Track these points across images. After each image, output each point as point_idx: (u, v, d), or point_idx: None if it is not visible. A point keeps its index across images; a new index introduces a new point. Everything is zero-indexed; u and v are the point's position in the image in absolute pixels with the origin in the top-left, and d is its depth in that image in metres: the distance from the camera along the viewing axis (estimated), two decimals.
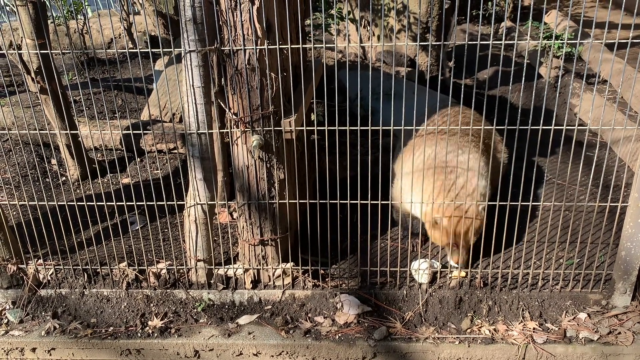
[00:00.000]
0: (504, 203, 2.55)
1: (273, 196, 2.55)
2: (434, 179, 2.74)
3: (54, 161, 4.17)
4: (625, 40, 2.23)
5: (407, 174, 2.80)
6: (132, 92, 5.29)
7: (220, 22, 2.21)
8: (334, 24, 5.21)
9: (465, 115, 3.25)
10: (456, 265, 2.74)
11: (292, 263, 2.74)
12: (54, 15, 6.79)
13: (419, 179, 2.65)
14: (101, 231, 3.13)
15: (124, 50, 2.33)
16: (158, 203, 2.61)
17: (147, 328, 2.64)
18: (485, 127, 3.07)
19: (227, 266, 2.78)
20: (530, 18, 4.00)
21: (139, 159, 4.09)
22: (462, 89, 2.35)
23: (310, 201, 2.69)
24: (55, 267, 2.80)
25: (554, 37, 2.72)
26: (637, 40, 2.28)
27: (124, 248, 2.86)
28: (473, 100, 2.68)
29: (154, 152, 4.13)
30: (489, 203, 2.68)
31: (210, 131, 2.41)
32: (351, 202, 2.58)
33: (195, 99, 2.33)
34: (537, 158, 3.89)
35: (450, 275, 2.75)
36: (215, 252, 2.80)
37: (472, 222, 2.65)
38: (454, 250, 2.72)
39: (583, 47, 5.69)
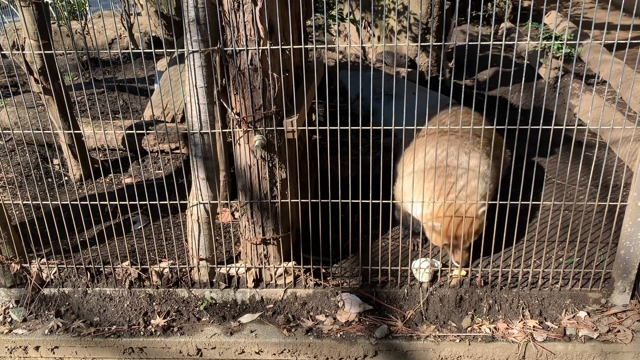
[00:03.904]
0: (504, 202, 2.57)
1: (275, 195, 2.57)
2: (434, 181, 2.76)
3: (56, 161, 4.19)
4: (624, 41, 2.25)
5: (409, 174, 2.82)
6: (134, 93, 5.31)
7: (223, 23, 2.23)
8: (334, 24, 5.23)
9: (466, 116, 3.27)
10: (457, 265, 2.77)
11: (293, 262, 2.76)
12: (55, 16, 6.81)
13: (419, 180, 2.67)
14: (104, 230, 3.15)
15: (127, 51, 2.35)
16: (160, 202, 2.63)
17: (150, 327, 2.66)
18: (487, 128, 3.09)
19: (229, 265, 2.80)
20: (530, 19, 4.02)
21: (141, 159, 4.11)
22: (463, 90, 2.37)
23: (312, 201, 2.71)
24: (59, 266, 2.81)
25: (553, 38, 2.73)
26: (636, 41, 2.29)
27: (126, 247, 2.88)
28: (474, 101, 2.70)
29: (156, 152, 4.15)
30: (490, 202, 2.70)
31: (212, 131, 2.43)
32: (352, 201, 2.60)
33: (198, 99, 2.35)
34: (537, 158, 3.91)
35: (450, 274, 2.77)
36: (218, 251, 2.82)
37: (471, 224, 2.67)
38: (454, 250, 2.75)
39: (582, 47, 5.71)
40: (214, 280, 2.77)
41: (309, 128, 2.53)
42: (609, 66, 4.96)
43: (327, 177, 3.39)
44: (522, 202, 2.51)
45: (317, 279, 2.74)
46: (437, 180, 2.76)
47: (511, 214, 2.82)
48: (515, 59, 6.28)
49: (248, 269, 2.76)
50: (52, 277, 2.81)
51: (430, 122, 3.33)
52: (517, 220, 2.96)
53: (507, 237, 2.70)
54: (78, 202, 2.79)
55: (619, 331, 2.53)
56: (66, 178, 3.93)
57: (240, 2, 2.14)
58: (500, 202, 2.58)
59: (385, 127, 2.52)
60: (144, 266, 2.80)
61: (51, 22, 6.01)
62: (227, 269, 2.78)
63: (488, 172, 2.85)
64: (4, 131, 4.33)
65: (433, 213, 2.72)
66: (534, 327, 2.57)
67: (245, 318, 2.70)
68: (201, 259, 2.71)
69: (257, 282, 2.77)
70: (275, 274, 2.75)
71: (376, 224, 2.87)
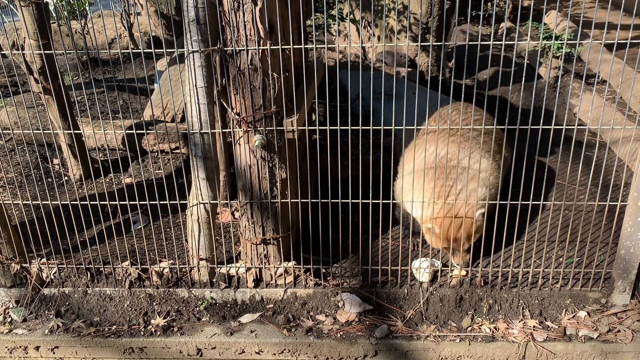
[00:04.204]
0: (504, 202, 2.57)
1: (275, 195, 2.57)
2: (434, 182, 2.75)
3: (56, 161, 4.19)
4: (624, 41, 2.25)
5: (408, 174, 2.82)
6: (134, 92, 5.31)
7: (223, 23, 2.23)
8: (334, 24, 5.23)
9: (466, 112, 3.26)
10: (457, 266, 2.77)
11: (293, 262, 2.76)
12: (57, 15, 6.81)
13: (418, 180, 2.67)
14: (104, 230, 3.15)
15: (127, 50, 2.35)
16: (160, 202, 2.63)
17: (150, 327, 2.66)
18: (488, 127, 3.08)
19: (229, 265, 2.80)
20: (530, 18, 4.02)
21: (141, 159, 4.11)
22: (463, 89, 2.37)
23: (312, 200, 2.71)
24: (59, 266, 2.81)
25: (553, 38, 2.73)
26: (636, 41, 2.29)
27: (126, 247, 2.88)
28: (474, 101, 2.69)
29: (156, 151, 4.15)
30: (490, 202, 2.70)
31: (212, 131, 2.42)
32: (352, 201, 2.60)
33: (198, 99, 2.35)
34: (537, 157, 3.91)
35: (451, 274, 2.77)
36: (218, 251, 2.82)
37: (471, 227, 2.67)
38: (454, 253, 2.75)
39: (582, 47, 5.71)
40: (214, 280, 2.77)
41: (309, 128, 2.53)
42: (609, 66, 4.95)
43: (327, 177, 3.39)
44: (522, 202, 2.51)
45: (317, 279, 2.74)
46: (435, 182, 2.75)
47: (511, 213, 2.82)
48: (516, 59, 6.28)
49: (248, 269, 2.76)
50: (52, 277, 2.81)
51: (431, 119, 3.32)
52: (517, 220, 2.96)
53: (507, 236, 2.69)
54: (78, 202, 2.79)
55: (619, 331, 2.53)
56: (66, 178, 3.93)
57: (240, 2, 2.14)
58: (501, 202, 2.58)
59: (385, 127, 2.52)
60: (144, 266, 2.80)
61: (51, 21, 6.01)
62: (227, 268, 2.78)
63: (488, 172, 2.84)
64: (4, 131, 4.33)
65: (431, 215, 2.72)
66: (534, 327, 2.57)
67: (246, 318, 2.70)
68: (201, 259, 2.71)
69: (257, 282, 2.77)
70: (275, 273, 2.75)
71: (376, 223, 2.87)
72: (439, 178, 2.74)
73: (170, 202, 2.62)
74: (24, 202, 2.92)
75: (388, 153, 3.58)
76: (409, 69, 5.17)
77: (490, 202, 2.70)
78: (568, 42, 2.62)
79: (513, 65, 2.50)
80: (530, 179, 2.68)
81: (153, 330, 2.64)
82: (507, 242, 2.81)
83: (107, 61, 6.78)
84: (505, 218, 2.69)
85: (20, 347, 2.66)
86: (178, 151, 4.21)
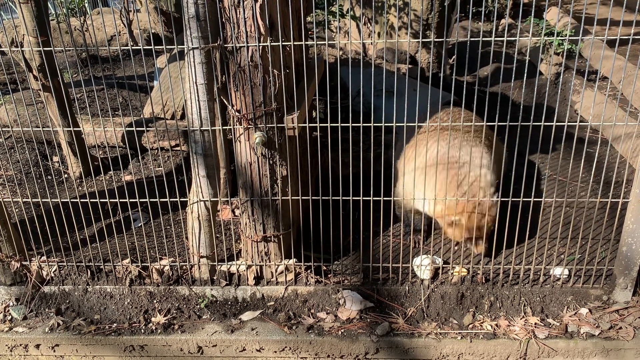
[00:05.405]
0: (506, 199, 2.56)
1: (276, 193, 2.56)
2: (445, 175, 2.74)
3: (56, 158, 4.19)
4: (626, 37, 2.24)
5: (412, 171, 2.80)
6: (134, 90, 5.29)
7: (223, 19, 2.22)
8: (335, 21, 5.21)
9: (467, 114, 3.26)
10: (477, 253, 2.77)
11: (294, 259, 2.75)
12: (56, 13, 6.79)
13: (429, 175, 2.65)
14: (104, 228, 3.15)
15: (127, 47, 2.34)
16: (160, 200, 2.62)
17: (151, 324, 2.66)
18: (485, 124, 3.07)
19: (230, 262, 2.80)
20: (532, 15, 4.00)
21: (141, 156, 4.10)
22: (464, 86, 2.36)
23: (313, 198, 2.70)
24: (59, 263, 2.81)
25: (555, 34, 2.72)
26: (638, 37, 2.28)
27: (127, 245, 2.87)
28: (475, 97, 2.68)
29: (156, 149, 4.15)
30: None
31: (213, 128, 2.41)
32: (353, 198, 2.59)
33: (198, 96, 2.34)
34: (539, 155, 3.90)
35: (452, 271, 2.76)
36: (218, 248, 2.81)
37: (487, 216, 2.67)
38: (476, 243, 2.76)
39: (584, 44, 5.69)
40: (214, 277, 2.76)
41: (310, 125, 2.52)
42: (611, 62, 4.94)
43: (328, 174, 3.38)
44: (524, 199, 2.50)
45: (318, 277, 2.74)
46: (446, 174, 2.73)
47: (512, 211, 2.81)
48: (517, 56, 6.26)
49: (249, 267, 2.75)
50: (53, 274, 2.80)
51: (431, 119, 3.31)
52: (518, 217, 2.95)
53: (508, 234, 2.69)
54: (78, 200, 2.77)
55: (620, 328, 2.53)
56: (66, 175, 3.92)
57: None
58: (502, 199, 2.57)
59: (386, 124, 2.51)
60: (145, 264, 2.79)
61: (50, 19, 5.99)
62: (228, 266, 2.78)
63: (492, 164, 2.84)
64: (4, 128, 4.32)
65: (447, 207, 2.69)
66: (535, 324, 2.57)
67: (246, 315, 2.69)
68: (202, 257, 2.70)
69: (258, 279, 2.76)
70: (276, 271, 2.74)
71: (377, 221, 2.86)
72: (449, 169, 2.72)
73: (171, 199, 2.61)
74: (23, 199, 2.91)
75: (389, 150, 3.57)
76: (410, 66, 5.15)
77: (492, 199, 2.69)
78: (569, 38, 2.61)
79: (514, 62, 2.49)
80: (528, 176, 2.67)
81: (154, 328, 2.64)
82: (509, 240, 2.80)
83: (106, 58, 6.76)
84: (506, 215, 2.68)
85: (20, 345, 2.65)
86: (178, 148, 4.20)
